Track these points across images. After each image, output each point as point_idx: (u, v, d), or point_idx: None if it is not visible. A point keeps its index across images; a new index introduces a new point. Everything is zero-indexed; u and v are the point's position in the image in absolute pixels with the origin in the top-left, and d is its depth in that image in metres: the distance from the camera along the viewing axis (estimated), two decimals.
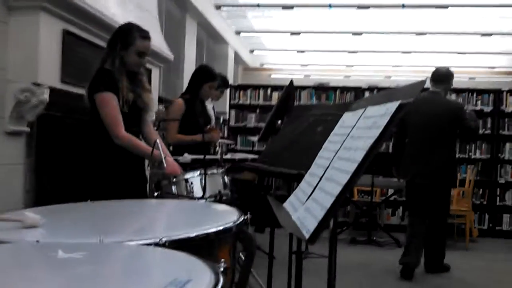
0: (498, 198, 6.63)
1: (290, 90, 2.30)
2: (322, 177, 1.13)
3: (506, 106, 6.67)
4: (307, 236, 0.91)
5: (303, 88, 7.14)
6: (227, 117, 7.36)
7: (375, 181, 5.62)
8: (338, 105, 1.48)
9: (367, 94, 6.93)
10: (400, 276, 4.23)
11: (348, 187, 0.92)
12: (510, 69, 11.71)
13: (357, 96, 6.94)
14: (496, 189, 6.64)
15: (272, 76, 11.44)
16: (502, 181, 6.61)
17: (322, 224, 0.89)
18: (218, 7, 7.84)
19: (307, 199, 1.11)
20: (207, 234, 1.28)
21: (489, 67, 11.63)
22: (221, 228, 1.35)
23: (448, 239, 4.88)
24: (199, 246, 1.23)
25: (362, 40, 9.78)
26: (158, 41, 4.44)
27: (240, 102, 7.23)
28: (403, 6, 7.72)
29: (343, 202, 6.57)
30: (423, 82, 0.99)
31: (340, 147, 1.14)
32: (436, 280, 4.24)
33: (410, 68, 11.61)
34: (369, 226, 5.81)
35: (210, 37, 8.44)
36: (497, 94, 6.71)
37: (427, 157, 4.27)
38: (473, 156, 6.67)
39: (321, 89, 7.25)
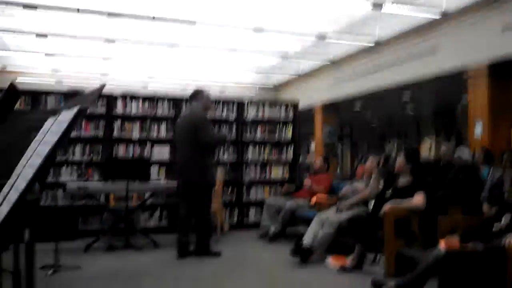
0: (244, 195, 7.36)
1: (10, 93, 2.10)
2: (11, 187, 1.05)
3: (247, 115, 7.47)
4: None
5: (50, 93, 6.63)
6: None
7: (131, 186, 5.61)
8: (53, 110, 1.40)
9: (119, 102, 6.85)
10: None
11: (24, 194, 0.87)
12: (251, 85, 13.22)
13: (109, 104, 6.79)
14: (243, 187, 7.36)
15: (19, 79, 10.38)
16: (247, 179, 7.37)
17: None
18: None
19: None
20: None
21: (235, 82, 12.87)
22: None
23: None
24: None
25: (116, 48, 9.68)
26: None
27: None
28: (154, 18, 7.94)
29: (97, 210, 6.41)
30: (102, 87, 1.01)
31: (33, 153, 1.09)
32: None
33: (166, 79, 12.02)
34: (127, 231, 5.77)
35: None
36: (240, 105, 7.45)
37: (187, 163, 5.18)
38: (222, 159, 7.25)
39: (71, 95, 6.84)
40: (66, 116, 0.99)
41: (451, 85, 9.16)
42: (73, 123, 0.90)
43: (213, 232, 5.80)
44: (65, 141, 0.86)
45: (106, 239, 5.90)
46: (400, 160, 4.71)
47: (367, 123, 18.01)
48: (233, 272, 4.62)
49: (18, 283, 1.90)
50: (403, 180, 4.69)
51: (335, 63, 10.72)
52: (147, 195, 6.34)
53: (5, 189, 1.12)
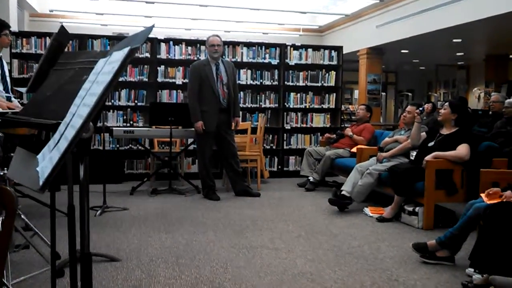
0: (284, 142, 7.40)
1: (61, 37, 2.16)
2: (68, 125, 1.11)
3: (290, 59, 7.37)
4: (41, 184, 0.89)
5: (96, 37, 6.76)
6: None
7: (174, 131, 5.74)
8: (103, 52, 1.45)
9: (163, 46, 6.90)
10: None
11: (81, 131, 0.92)
12: (296, 26, 12.91)
13: (153, 48, 6.86)
14: (283, 135, 7.38)
15: (64, 24, 10.57)
16: (288, 127, 7.37)
17: (55, 169, 0.88)
18: None
19: (53, 148, 1.08)
20: None
21: (279, 24, 12.61)
22: None
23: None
24: None
25: None
26: None
27: (24, 51, 6.54)
28: None
29: (142, 155, 6.63)
30: (151, 28, 1.03)
31: (87, 93, 1.13)
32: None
33: (209, 22, 11.91)
34: (170, 176, 5.96)
35: None
36: (282, 48, 7.34)
37: None
38: (263, 105, 7.26)
39: (117, 39, 6.95)
40: (117, 56, 1.02)
41: (506, 28, 8.66)
42: (124, 63, 0.93)
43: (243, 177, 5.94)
44: (116, 81, 0.90)
45: (150, 183, 6.13)
46: (445, 110, 4.58)
47: (413, 70, 17.48)
48: (271, 218, 4.74)
49: (72, 222, 2.00)
50: (447, 131, 4.58)
51: (383, 3, 10.27)
52: (190, 140, 6.48)
53: (61, 127, 1.18)
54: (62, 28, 2.22)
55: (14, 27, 7.27)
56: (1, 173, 1.33)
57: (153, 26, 1.02)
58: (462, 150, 4.38)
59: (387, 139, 5.55)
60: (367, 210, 4.93)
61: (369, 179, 4.95)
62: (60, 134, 1.10)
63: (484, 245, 2.89)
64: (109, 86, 0.91)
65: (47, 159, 1.05)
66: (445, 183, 4.40)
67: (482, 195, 3.33)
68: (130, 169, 6.78)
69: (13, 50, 6.44)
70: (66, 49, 2.37)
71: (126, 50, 0.96)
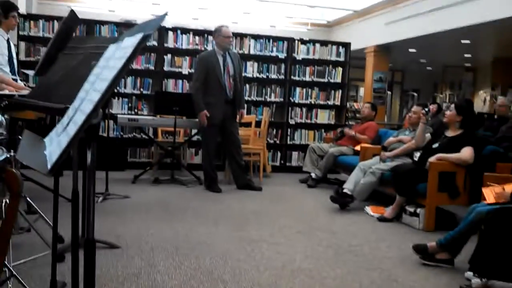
0: (288, 137, 7.38)
1: (70, 21, 2.15)
2: (77, 110, 1.10)
3: (297, 53, 7.33)
4: (49, 167, 0.88)
5: (104, 23, 6.73)
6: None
7: (179, 121, 5.73)
8: (113, 38, 1.43)
9: (171, 35, 6.88)
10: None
11: (91, 116, 0.91)
12: (305, 20, 12.84)
13: (161, 37, 6.83)
14: (287, 129, 7.37)
15: (72, 8, 10.52)
16: (292, 122, 7.36)
17: (64, 153, 0.87)
18: None
19: (61, 132, 1.07)
20: None
21: (287, 17, 12.54)
22: None
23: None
24: None
25: None
26: None
27: (31, 34, 6.52)
28: None
29: (145, 143, 6.63)
30: (164, 16, 1.02)
31: (97, 78, 1.12)
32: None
33: (217, 11, 11.86)
34: (172, 166, 5.96)
35: None
36: (290, 42, 7.30)
37: None
38: (268, 99, 7.24)
39: (124, 26, 6.92)
40: (130, 42, 1.01)
41: None
42: (137, 49, 0.92)
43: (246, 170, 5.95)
44: (128, 67, 0.89)
45: (152, 172, 6.13)
46: (450, 112, 4.56)
47: (420, 70, 17.41)
48: (272, 213, 4.74)
49: (76, 207, 2.00)
50: (452, 133, 4.56)
51: (393, 0, 10.20)
52: (194, 131, 6.47)
53: (70, 112, 1.17)
54: (72, 12, 2.21)
55: (22, 10, 7.25)
56: (8, 156, 1.34)
57: (166, 14, 1.01)
58: (466, 153, 4.36)
59: (391, 138, 5.53)
60: (368, 209, 4.93)
61: (371, 178, 4.94)
62: (69, 119, 1.10)
63: (485, 249, 2.88)
64: (121, 71, 0.90)
65: (55, 143, 1.04)
66: (448, 185, 4.38)
67: (483, 191, 3.32)
68: (133, 157, 6.78)
69: (20, 33, 6.43)
70: (74, 34, 2.37)
71: (139, 36, 0.95)
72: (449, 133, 4.59)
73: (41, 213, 3.19)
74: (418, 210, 4.41)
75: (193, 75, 5.64)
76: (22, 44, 6.47)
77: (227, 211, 4.63)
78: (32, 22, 6.54)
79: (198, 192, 5.45)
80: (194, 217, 4.34)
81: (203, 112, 5.41)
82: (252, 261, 3.26)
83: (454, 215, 4.49)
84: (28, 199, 3.30)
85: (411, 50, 12.33)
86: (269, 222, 4.32)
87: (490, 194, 3.30)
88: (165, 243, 3.50)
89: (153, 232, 3.75)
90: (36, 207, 3.24)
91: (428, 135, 4.93)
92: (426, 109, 5.07)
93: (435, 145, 4.60)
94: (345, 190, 4.98)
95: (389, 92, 13.94)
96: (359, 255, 3.56)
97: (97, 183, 4.80)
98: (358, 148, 5.96)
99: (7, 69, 4.19)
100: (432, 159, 4.40)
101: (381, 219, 4.61)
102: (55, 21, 6.55)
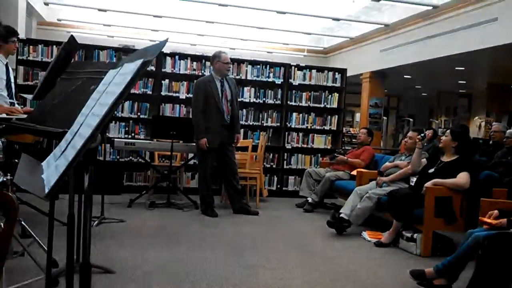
0: (285, 162, 7.39)
1: (70, 46, 2.18)
2: (75, 134, 1.11)
3: (294, 79, 7.41)
4: (46, 191, 0.88)
5: (102, 48, 6.80)
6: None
7: (175, 145, 5.74)
8: (112, 63, 1.46)
9: (168, 60, 6.95)
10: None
11: (89, 141, 0.92)
12: (301, 46, 13.02)
13: (158, 62, 6.90)
14: (284, 154, 7.38)
15: (71, 33, 10.67)
16: (289, 146, 7.38)
17: (62, 177, 0.87)
18: None
19: (59, 157, 1.08)
20: None
21: (284, 43, 12.72)
22: None
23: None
24: None
25: (167, 5, 9.72)
26: None
27: (30, 58, 6.57)
28: None
29: (142, 167, 6.62)
30: (165, 42, 1.04)
31: (96, 103, 1.14)
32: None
33: (215, 38, 12.01)
34: (169, 190, 5.94)
35: None
36: (287, 68, 7.38)
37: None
38: (265, 124, 7.28)
39: (123, 51, 6.99)
40: (130, 68, 1.03)
41: (509, 59, 8.71)
42: (137, 75, 0.93)
43: (242, 195, 5.95)
44: (127, 93, 0.90)
45: (148, 196, 6.11)
46: (446, 138, 4.60)
47: (415, 96, 17.57)
48: (269, 237, 4.71)
49: (72, 231, 1.98)
50: (448, 158, 4.58)
51: (388, 28, 10.36)
52: (190, 155, 6.47)
53: (68, 136, 1.18)
54: (72, 38, 2.24)
55: (22, 35, 7.33)
56: (4, 179, 1.33)
57: (166, 40, 1.03)
58: (462, 178, 4.37)
59: (387, 163, 5.55)
60: (365, 234, 4.91)
61: (368, 202, 4.93)
62: (66, 143, 1.10)
63: (483, 275, 2.87)
64: (120, 97, 0.92)
65: (52, 167, 1.05)
66: (445, 210, 4.38)
67: (481, 220, 3.32)
68: (129, 181, 6.76)
69: (19, 57, 6.48)
70: (72, 59, 2.41)
71: (139, 62, 0.97)
72: (445, 158, 4.62)
73: (36, 237, 3.16)
74: (415, 235, 4.39)
75: (192, 100, 5.67)
76: (21, 68, 6.51)
77: (223, 236, 4.60)
78: (31, 46, 6.59)
79: (194, 216, 5.42)
80: (190, 241, 4.30)
81: (204, 140, 5.43)
82: (248, 286, 3.22)
83: (451, 240, 4.47)
84: (22, 222, 3.28)
85: (406, 76, 12.47)
86: (265, 247, 4.29)
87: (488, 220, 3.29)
88: (161, 268, 3.47)
89: (149, 257, 3.72)
90: (30, 231, 3.22)
91: (424, 160, 4.95)
92: (422, 135, 5.10)
93: (431, 170, 4.62)
94: (341, 215, 4.96)
95: (384, 118, 14.04)
96: (356, 280, 3.53)
97: (93, 206, 4.78)
98: (354, 172, 5.96)
99: (5, 93, 4.21)
100: (428, 184, 4.41)
101: (378, 244, 4.59)
102: (54, 46, 6.61)
